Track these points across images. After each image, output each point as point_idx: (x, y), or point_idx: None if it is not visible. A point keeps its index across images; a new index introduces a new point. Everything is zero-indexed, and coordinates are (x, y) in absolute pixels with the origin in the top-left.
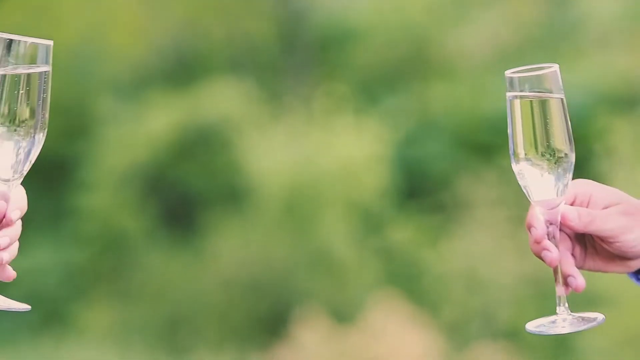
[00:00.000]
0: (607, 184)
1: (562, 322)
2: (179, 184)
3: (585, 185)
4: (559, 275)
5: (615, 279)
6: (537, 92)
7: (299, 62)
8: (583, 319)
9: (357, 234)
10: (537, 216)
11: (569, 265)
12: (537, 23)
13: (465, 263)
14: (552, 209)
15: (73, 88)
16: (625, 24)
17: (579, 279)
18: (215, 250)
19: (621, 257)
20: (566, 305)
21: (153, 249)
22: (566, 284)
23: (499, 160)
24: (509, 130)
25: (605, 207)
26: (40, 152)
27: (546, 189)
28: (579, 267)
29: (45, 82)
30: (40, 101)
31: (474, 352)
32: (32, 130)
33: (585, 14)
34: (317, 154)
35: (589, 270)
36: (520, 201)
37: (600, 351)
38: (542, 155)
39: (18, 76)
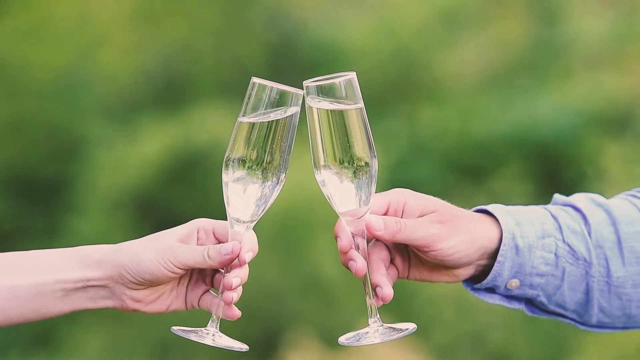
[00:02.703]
0: None
1: (373, 332)
2: (170, 207)
3: (399, 194)
4: (368, 286)
5: None
6: (335, 100)
7: (289, 84)
8: (394, 329)
9: None
10: (343, 227)
11: (379, 276)
12: (525, 45)
13: (454, 286)
14: (357, 218)
15: (64, 110)
16: (614, 45)
17: (385, 289)
18: None
19: (444, 266)
20: (378, 316)
21: None
22: (376, 295)
23: (488, 183)
24: (309, 139)
25: (421, 216)
26: (33, 173)
27: (349, 199)
28: (404, 277)
29: (293, 126)
30: (287, 145)
31: None
32: (276, 173)
33: (574, 36)
34: (308, 176)
35: (416, 280)
36: None
37: None
38: (341, 163)
39: (270, 122)
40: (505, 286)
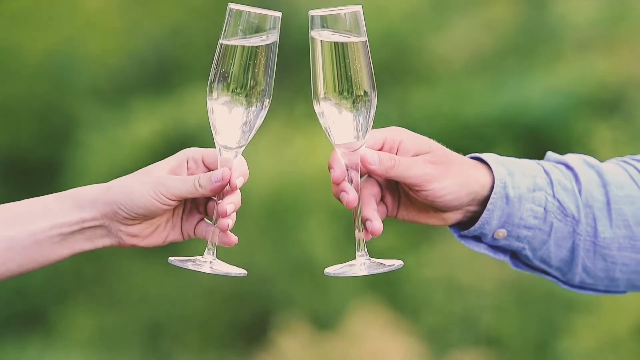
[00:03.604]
0: None
1: (360, 265)
2: None
3: (395, 132)
4: (358, 220)
5: None
6: (339, 32)
7: (279, 67)
8: (380, 263)
9: (338, 241)
10: (338, 158)
11: (369, 210)
12: (515, 28)
13: (445, 269)
14: (352, 151)
15: (54, 93)
16: (603, 28)
17: (375, 223)
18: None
19: (434, 208)
20: (365, 250)
21: (135, 256)
22: (365, 229)
23: None
24: (311, 71)
25: (415, 155)
26: (24, 157)
27: (346, 131)
28: (392, 216)
29: (274, 51)
30: (269, 70)
31: (454, 358)
32: (261, 98)
33: (563, 19)
34: (299, 159)
35: (404, 220)
36: None
37: (582, 356)
38: (341, 93)
39: (252, 47)
40: (493, 236)
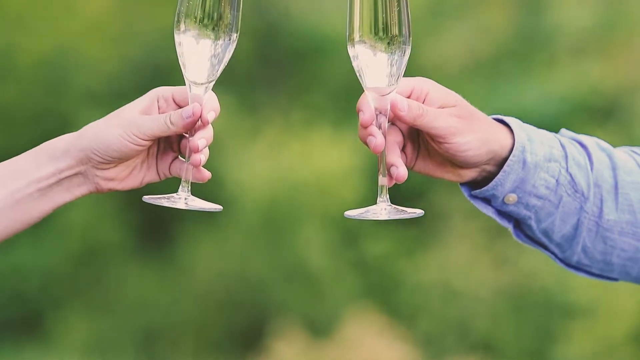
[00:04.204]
0: None
1: (380, 210)
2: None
3: (423, 82)
4: (383, 165)
5: (593, 290)
6: None
7: (275, 73)
8: (402, 210)
9: (334, 247)
10: (368, 102)
11: (394, 156)
12: (510, 34)
13: (441, 275)
14: (383, 95)
15: (50, 98)
16: (598, 34)
17: (400, 169)
18: (193, 263)
19: (452, 162)
20: (387, 196)
21: (130, 262)
22: (390, 174)
23: None
24: (347, 14)
25: (441, 107)
26: None
27: (379, 74)
28: (409, 168)
29: None
30: (235, 2)
31: None
32: (228, 31)
33: (559, 25)
34: (295, 166)
35: (420, 172)
36: None
37: None
38: (376, 34)
39: None
40: (503, 199)
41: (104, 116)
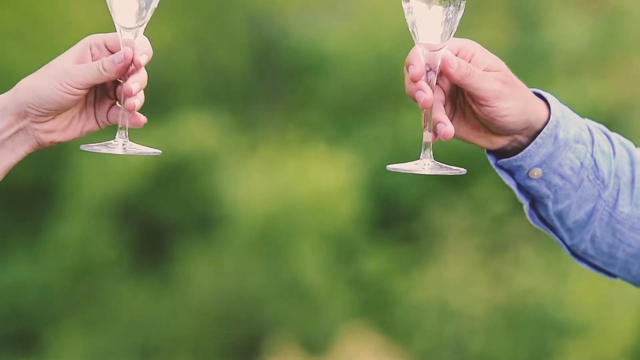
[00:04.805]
0: None
1: (423, 165)
2: (155, 214)
3: (470, 44)
4: (429, 121)
5: (588, 307)
6: None
7: (272, 90)
8: (444, 166)
9: (330, 264)
10: (418, 56)
11: (441, 113)
12: (507, 52)
13: (436, 292)
14: (434, 51)
15: None
16: (594, 51)
17: (448, 126)
18: (189, 280)
19: (487, 128)
20: (431, 152)
21: (127, 278)
22: (435, 131)
23: (469, 189)
24: None
25: (486, 71)
26: (17, 179)
27: (432, 29)
28: None
29: None
30: None
31: None
32: None
33: (555, 43)
34: (291, 183)
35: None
36: (492, 230)
37: None
38: None
39: None
40: (527, 173)
41: (98, 133)
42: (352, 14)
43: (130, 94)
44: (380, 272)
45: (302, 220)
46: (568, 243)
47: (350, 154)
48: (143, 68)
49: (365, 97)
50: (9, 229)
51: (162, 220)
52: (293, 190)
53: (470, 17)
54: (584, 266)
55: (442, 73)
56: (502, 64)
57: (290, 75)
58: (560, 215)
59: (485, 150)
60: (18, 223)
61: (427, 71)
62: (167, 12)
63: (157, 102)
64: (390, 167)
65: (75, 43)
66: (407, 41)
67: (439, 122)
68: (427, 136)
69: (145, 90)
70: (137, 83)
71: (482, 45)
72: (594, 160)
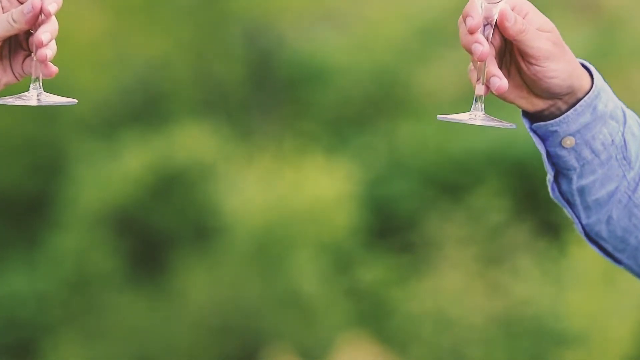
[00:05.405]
0: None
1: (475, 116)
2: (152, 224)
3: (525, 2)
4: (483, 74)
5: (586, 317)
6: None
7: (269, 101)
8: (495, 119)
9: (327, 274)
10: (477, 7)
11: (495, 67)
12: None
13: (433, 302)
14: (492, 4)
15: (43, 126)
16: (591, 61)
17: (503, 80)
18: (185, 290)
19: (530, 89)
20: (482, 105)
21: (124, 289)
22: (487, 84)
23: (466, 199)
24: None
25: (538, 30)
26: (15, 190)
27: None
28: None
29: None
30: None
31: None
32: None
33: None
34: (288, 193)
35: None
36: (489, 240)
37: None
38: None
39: None
40: (561, 141)
41: (95, 145)
42: (348, 25)
43: (40, 45)
44: (377, 282)
45: (299, 231)
46: (583, 222)
47: (347, 164)
48: (54, 17)
49: (362, 108)
50: (6, 240)
51: (159, 230)
52: (290, 200)
53: None
54: (594, 249)
55: (496, 27)
56: (553, 26)
57: (287, 86)
58: (582, 191)
59: (521, 112)
60: (15, 234)
61: (485, 25)
62: (165, 23)
63: (154, 113)
64: (441, 117)
65: (68, 51)
66: (404, 52)
67: (493, 75)
68: (480, 89)
69: (142, 100)
70: (47, 33)
71: None
72: (624, 140)
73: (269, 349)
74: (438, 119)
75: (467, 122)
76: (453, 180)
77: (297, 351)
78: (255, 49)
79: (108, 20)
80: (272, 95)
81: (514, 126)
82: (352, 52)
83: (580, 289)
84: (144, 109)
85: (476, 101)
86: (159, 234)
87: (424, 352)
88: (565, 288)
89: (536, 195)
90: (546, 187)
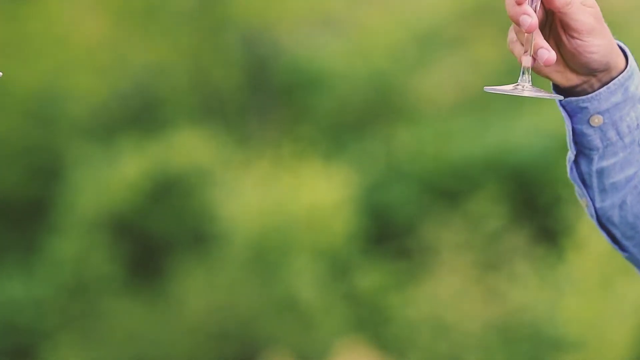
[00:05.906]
0: (574, 230)
1: (522, 88)
2: (149, 229)
3: None
4: (531, 46)
5: (583, 323)
6: None
7: (266, 107)
8: (542, 91)
9: (324, 280)
10: None
11: (542, 39)
12: (500, 68)
13: (431, 308)
14: None
15: (41, 130)
16: None
17: (551, 53)
18: (183, 296)
19: (567, 63)
20: (530, 76)
21: (121, 294)
22: (535, 56)
23: (464, 205)
24: None
25: (582, 4)
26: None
27: None
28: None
29: None
30: None
31: None
32: None
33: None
34: (285, 199)
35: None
36: (486, 246)
37: None
38: None
39: None
40: (589, 119)
41: (93, 150)
42: (346, 31)
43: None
44: (374, 287)
45: (296, 236)
46: (597, 205)
47: (344, 170)
48: None
49: (360, 114)
50: (4, 245)
51: (156, 236)
52: (287, 206)
53: (465, 32)
54: (603, 234)
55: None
56: (595, 2)
57: (285, 92)
58: (601, 173)
59: (552, 86)
60: (13, 239)
61: None
62: (163, 29)
63: (152, 119)
64: (488, 88)
65: (67, 56)
66: (401, 58)
67: (540, 47)
68: (527, 60)
69: (139, 105)
70: None
71: (477, 62)
72: None
73: (267, 355)
74: (485, 90)
75: (514, 94)
76: (451, 186)
77: (295, 356)
78: (253, 55)
79: (106, 26)
80: (270, 100)
81: (561, 97)
82: (350, 58)
83: (578, 295)
84: (141, 114)
85: (523, 73)
86: (157, 239)
87: (421, 358)
88: (562, 294)
89: (534, 201)
90: (544, 193)
